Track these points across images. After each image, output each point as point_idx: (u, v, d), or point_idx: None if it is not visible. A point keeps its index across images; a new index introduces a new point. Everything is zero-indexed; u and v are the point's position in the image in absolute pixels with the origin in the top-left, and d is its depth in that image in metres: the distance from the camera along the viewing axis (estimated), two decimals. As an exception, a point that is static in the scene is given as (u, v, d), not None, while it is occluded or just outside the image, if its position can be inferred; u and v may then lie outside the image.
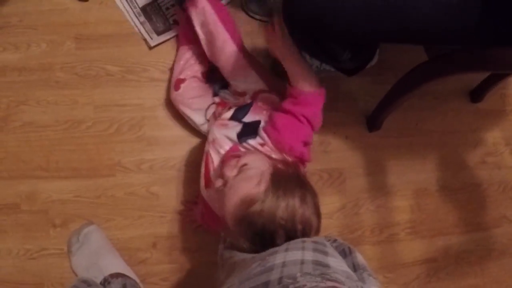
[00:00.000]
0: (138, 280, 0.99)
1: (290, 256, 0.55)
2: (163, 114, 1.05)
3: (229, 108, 0.93)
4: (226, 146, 0.85)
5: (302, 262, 0.53)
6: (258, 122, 0.86)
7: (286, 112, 0.83)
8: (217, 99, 0.99)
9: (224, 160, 0.80)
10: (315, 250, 0.57)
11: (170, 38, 1.07)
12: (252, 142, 0.84)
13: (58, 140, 1.04)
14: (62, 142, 1.04)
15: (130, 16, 1.07)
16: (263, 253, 0.60)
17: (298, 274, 0.49)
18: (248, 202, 0.66)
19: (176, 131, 1.04)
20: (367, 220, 1.08)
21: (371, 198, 1.08)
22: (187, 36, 1.01)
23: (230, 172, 0.71)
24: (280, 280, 0.49)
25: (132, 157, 1.03)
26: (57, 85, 1.05)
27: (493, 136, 1.18)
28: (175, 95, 1.00)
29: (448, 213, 1.13)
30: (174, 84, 1.00)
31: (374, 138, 1.09)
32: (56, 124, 1.04)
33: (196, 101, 0.99)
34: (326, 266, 0.53)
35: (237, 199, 0.67)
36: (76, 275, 1.01)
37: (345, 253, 0.67)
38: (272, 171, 0.71)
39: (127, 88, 1.06)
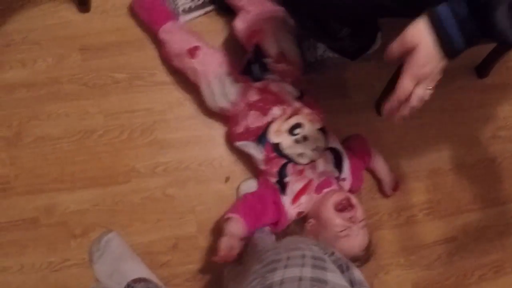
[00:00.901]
0: (161, 284, 0.99)
1: (289, 273, 0.56)
2: (173, 116, 1.05)
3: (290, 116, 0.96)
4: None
5: (300, 279, 0.54)
6: (340, 155, 0.99)
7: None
8: (258, 84, 0.98)
9: (332, 197, 0.92)
10: (314, 266, 0.58)
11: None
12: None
13: (71, 152, 1.05)
14: (76, 153, 1.05)
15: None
16: (263, 269, 0.60)
17: None
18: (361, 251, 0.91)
19: (188, 132, 1.05)
20: (383, 204, 1.08)
21: (386, 183, 1.07)
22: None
23: (355, 224, 0.89)
24: None
25: (146, 161, 1.04)
26: (66, 97, 1.06)
27: (503, 110, 1.18)
28: (193, 63, 0.96)
29: (464, 190, 1.13)
30: (187, 53, 0.96)
31: (384, 121, 1.08)
32: (68, 135, 1.05)
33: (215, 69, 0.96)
34: (324, 282, 0.54)
35: (357, 249, 0.90)
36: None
37: (342, 269, 0.67)
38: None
39: (136, 94, 1.06)
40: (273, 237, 0.97)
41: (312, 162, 0.94)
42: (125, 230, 1.03)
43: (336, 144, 0.98)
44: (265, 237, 0.91)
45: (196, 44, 0.97)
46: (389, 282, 1.08)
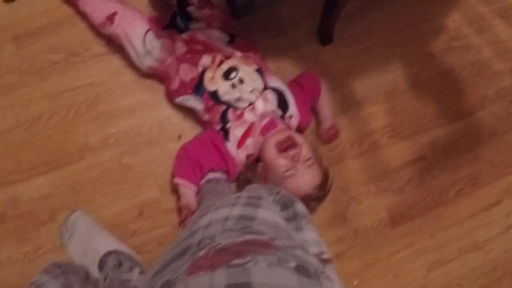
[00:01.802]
0: (133, 253, 0.99)
1: (217, 214, 0.55)
2: (115, 86, 1.04)
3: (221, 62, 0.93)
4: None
5: (226, 219, 0.53)
6: (282, 93, 0.95)
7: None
8: (184, 36, 0.95)
9: (274, 137, 0.90)
10: (246, 204, 0.58)
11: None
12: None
13: (23, 141, 1.04)
14: (28, 142, 1.04)
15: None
16: (196, 216, 0.60)
17: (218, 232, 0.49)
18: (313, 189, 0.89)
19: (132, 98, 1.04)
20: (343, 135, 1.06)
21: (341, 112, 1.06)
22: None
23: (299, 163, 0.87)
24: (199, 242, 0.48)
25: (97, 135, 1.03)
26: (8, 88, 1.05)
27: (453, 20, 1.14)
28: (113, 29, 0.95)
29: (426, 107, 1.10)
30: (106, 21, 0.95)
31: (330, 51, 1.06)
32: (18, 126, 1.04)
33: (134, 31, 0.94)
34: (252, 218, 0.53)
35: (306, 188, 0.88)
36: (75, 263, 1.00)
37: (286, 205, 0.69)
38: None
39: (75, 71, 1.05)
40: (232, 185, 0.95)
41: (251, 104, 0.92)
42: (89, 206, 1.02)
43: (276, 82, 0.96)
44: (218, 187, 0.89)
45: (113, 10, 0.95)
46: (363, 212, 1.06)
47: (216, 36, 0.95)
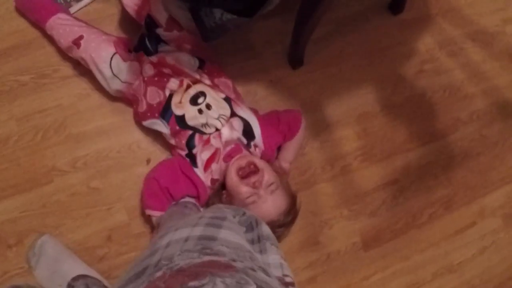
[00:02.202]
0: (101, 278, 0.97)
1: (177, 235, 0.54)
2: (83, 108, 1.03)
3: (188, 86, 0.92)
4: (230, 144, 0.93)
5: (187, 239, 0.52)
6: (249, 123, 0.94)
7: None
8: (153, 58, 0.95)
9: (235, 163, 0.89)
10: (208, 224, 0.57)
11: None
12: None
13: (-10, 163, 1.01)
14: (-5, 164, 1.01)
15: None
16: (157, 237, 0.59)
17: (177, 253, 0.48)
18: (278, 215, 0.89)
19: (100, 121, 1.03)
20: (314, 158, 1.05)
21: (312, 136, 1.05)
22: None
23: (261, 189, 0.87)
24: (157, 263, 0.47)
25: (65, 158, 1.01)
26: (-24, 110, 1.02)
27: (425, 43, 1.14)
28: (79, 53, 0.94)
29: (397, 131, 1.10)
30: (72, 45, 0.94)
31: (301, 75, 1.06)
32: (-15, 147, 1.01)
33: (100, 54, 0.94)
34: (213, 239, 0.52)
35: (271, 214, 0.87)
36: (43, 288, 0.98)
37: (252, 227, 0.68)
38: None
39: (44, 93, 1.04)
40: (201, 209, 0.93)
41: (217, 131, 0.91)
42: (57, 230, 1.00)
43: (244, 113, 0.95)
44: (185, 210, 0.88)
45: (79, 34, 0.95)
46: (336, 236, 1.05)
47: (186, 60, 0.94)
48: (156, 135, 1.01)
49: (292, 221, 0.91)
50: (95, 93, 1.02)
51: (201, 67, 0.95)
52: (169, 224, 0.70)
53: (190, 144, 0.91)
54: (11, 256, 1.00)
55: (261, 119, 0.96)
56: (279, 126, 0.98)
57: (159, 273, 0.43)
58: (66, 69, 1.04)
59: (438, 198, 1.12)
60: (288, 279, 0.57)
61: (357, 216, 1.07)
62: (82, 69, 1.03)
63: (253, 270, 0.44)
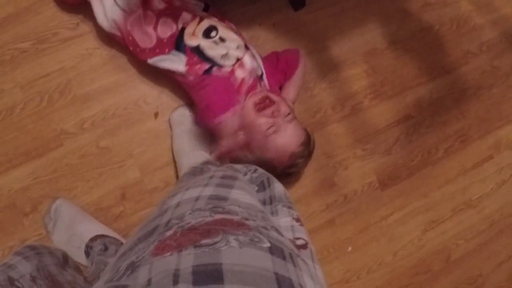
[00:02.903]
0: (118, 236, 0.97)
1: (188, 194, 0.52)
2: (86, 69, 1.01)
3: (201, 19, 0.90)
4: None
5: (197, 199, 0.50)
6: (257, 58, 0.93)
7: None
8: None
9: (250, 99, 0.88)
10: (218, 185, 0.55)
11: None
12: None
13: (-1, 133, 1.00)
14: (4, 133, 1.01)
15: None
16: (166, 196, 0.57)
17: (188, 212, 0.46)
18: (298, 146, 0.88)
19: (104, 79, 1.01)
20: (324, 99, 1.03)
21: (320, 76, 1.03)
22: None
23: (280, 118, 0.87)
24: (168, 222, 0.45)
25: (72, 120, 1.00)
26: (-21, 82, 1.01)
27: (429, -26, 1.09)
28: None
29: (407, 66, 1.07)
30: None
31: (303, 16, 1.03)
32: (-9, 118, 1.00)
33: None
34: (223, 199, 0.50)
35: (292, 144, 0.87)
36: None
37: (264, 186, 0.66)
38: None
39: (45, 58, 1.02)
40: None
41: (239, 61, 0.89)
42: (71, 193, 1.00)
43: (251, 48, 0.93)
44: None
45: None
46: (351, 176, 1.04)
47: (193, 2, 0.92)
48: (162, 87, 0.99)
49: (310, 153, 0.91)
50: (96, 52, 1.00)
51: (206, 10, 0.93)
52: (179, 184, 0.68)
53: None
54: (28, 224, 1.01)
55: (263, 59, 0.94)
56: (279, 65, 0.96)
57: (169, 232, 0.41)
58: (65, 31, 1.01)
59: (452, 133, 1.10)
60: (299, 242, 0.55)
61: (371, 155, 1.05)
62: (80, 29, 1.01)
63: (266, 228, 0.42)
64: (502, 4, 1.17)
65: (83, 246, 0.94)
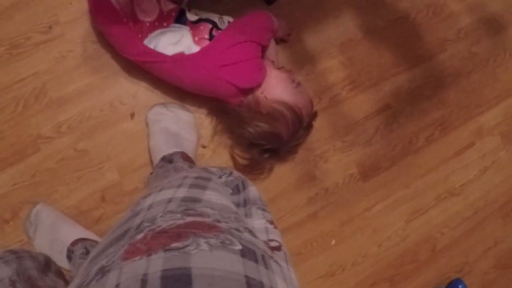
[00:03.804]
0: (99, 239, 0.95)
1: (161, 196, 0.51)
2: (60, 72, 1.00)
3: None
4: None
5: (170, 201, 0.49)
6: None
7: None
8: None
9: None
10: (192, 186, 0.54)
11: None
12: None
13: (-24, 140, 0.99)
14: (-20, 140, 0.99)
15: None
16: (139, 197, 0.56)
17: (160, 215, 0.45)
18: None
19: (79, 82, 1.00)
20: None
21: (296, 69, 1.02)
22: None
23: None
24: (139, 225, 0.44)
25: (49, 124, 0.99)
26: (-47, 89, 1.00)
27: (402, -37, 1.08)
28: None
29: (383, 56, 1.07)
30: None
31: (277, 9, 1.03)
32: (-33, 126, 0.99)
33: None
34: (197, 200, 0.49)
35: (310, 97, 0.95)
36: (44, 257, 0.96)
37: (238, 189, 0.66)
38: None
39: (19, 63, 1.01)
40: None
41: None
42: (51, 197, 0.99)
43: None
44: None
45: None
46: (332, 169, 1.03)
47: None
48: (137, 87, 0.99)
49: (311, 126, 0.97)
50: (70, 55, 0.99)
51: None
52: (154, 184, 0.68)
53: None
54: (9, 231, 1.00)
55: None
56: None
57: (140, 235, 0.40)
58: (38, 35, 1.00)
59: (433, 121, 1.09)
60: (273, 244, 0.54)
61: (351, 147, 1.04)
62: (53, 33, 1.00)
63: (239, 231, 0.41)
64: (479, -10, 1.17)
65: (64, 251, 0.94)
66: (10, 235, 1.00)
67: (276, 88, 0.91)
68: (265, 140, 0.92)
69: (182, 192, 0.52)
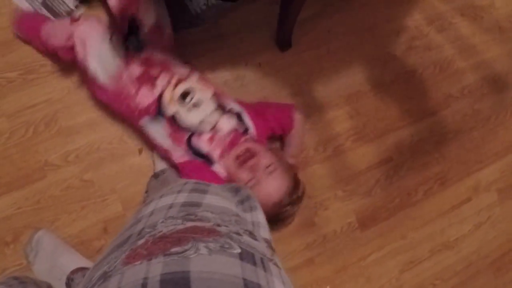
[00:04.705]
0: (99, 269, 0.96)
1: (162, 202, 0.53)
2: (73, 101, 1.02)
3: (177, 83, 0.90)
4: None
5: (171, 207, 0.51)
6: (239, 114, 0.94)
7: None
8: (141, 55, 0.91)
9: (232, 152, 0.90)
10: (192, 190, 0.55)
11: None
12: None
13: (-16, 162, 1.00)
14: (-12, 162, 1.00)
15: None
16: (142, 204, 0.58)
17: (160, 221, 0.46)
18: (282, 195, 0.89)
19: (90, 113, 1.02)
20: (307, 140, 1.06)
21: (304, 117, 1.02)
22: None
23: (259, 172, 0.87)
24: (140, 231, 0.46)
25: (57, 152, 1.01)
26: (-34, 109, 1.01)
27: (413, 19, 1.13)
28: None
29: (389, 109, 1.09)
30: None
31: (289, 57, 1.06)
32: (-24, 146, 1.01)
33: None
34: (197, 205, 0.51)
35: (274, 194, 0.87)
36: (42, 283, 0.98)
37: (236, 190, 0.67)
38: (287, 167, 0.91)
39: (32, 88, 1.03)
40: None
41: (216, 125, 0.90)
42: (53, 225, 1.01)
43: (233, 104, 0.94)
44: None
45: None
46: (331, 217, 1.05)
47: (172, 58, 0.93)
48: (146, 125, 1.00)
49: (299, 199, 0.91)
50: (83, 86, 1.01)
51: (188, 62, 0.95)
52: (155, 192, 0.69)
53: (192, 147, 0.90)
54: (9, 253, 1.01)
55: (250, 109, 0.95)
56: (268, 119, 0.97)
57: (141, 241, 0.42)
58: (53, 63, 1.02)
59: (432, 175, 1.12)
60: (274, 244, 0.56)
61: (351, 196, 1.07)
62: (69, 63, 1.03)
63: (239, 234, 0.43)
64: (484, 48, 1.20)
65: (64, 278, 0.95)
66: (9, 257, 1.01)
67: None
68: None
69: (182, 198, 0.53)
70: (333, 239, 1.06)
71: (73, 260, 0.98)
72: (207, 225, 0.44)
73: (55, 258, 0.98)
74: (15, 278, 0.78)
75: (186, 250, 0.36)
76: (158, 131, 0.92)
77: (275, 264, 0.41)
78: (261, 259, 0.39)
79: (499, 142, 1.19)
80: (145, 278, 0.33)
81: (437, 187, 1.13)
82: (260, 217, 0.60)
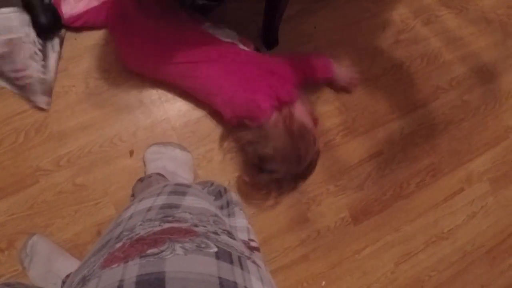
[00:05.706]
0: (94, 272, 0.96)
1: (141, 205, 0.53)
2: (62, 106, 1.03)
3: None
4: None
5: (149, 209, 0.51)
6: None
7: None
8: None
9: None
10: (171, 193, 0.56)
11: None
12: None
13: (-25, 169, 1.01)
14: (-20, 169, 1.01)
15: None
16: (122, 210, 0.58)
17: (139, 224, 0.47)
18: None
19: (80, 117, 1.03)
20: None
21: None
22: None
23: None
24: (119, 234, 0.46)
25: (48, 157, 1.02)
26: (-45, 118, 1.02)
27: (399, 13, 1.14)
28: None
29: (378, 103, 1.10)
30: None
31: (276, 54, 1.03)
32: (-32, 154, 1.01)
33: None
34: (176, 207, 0.51)
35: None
36: (38, 288, 0.98)
37: (221, 194, 0.68)
38: None
39: (21, 95, 1.01)
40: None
41: None
42: (47, 230, 1.01)
43: None
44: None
45: None
46: (324, 212, 1.06)
47: None
48: (137, 125, 1.01)
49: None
50: (72, 90, 1.03)
51: None
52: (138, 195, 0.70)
53: None
54: (4, 260, 1.01)
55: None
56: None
57: (119, 244, 0.42)
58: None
59: (423, 167, 1.13)
60: (253, 244, 0.57)
61: (344, 191, 1.07)
62: (58, 68, 1.03)
63: (216, 233, 0.43)
64: (471, 40, 1.21)
65: (59, 283, 0.96)
66: (4, 264, 1.01)
67: (302, 112, 0.93)
68: (281, 162, 0.91)
69: (161, 200, 0.53)
70: (327, 234, 1.06)
71: (68, 265, 0.99)
72: (184, 225, 0.44)
73: (50, 263, 0.98)
74: (7, 285, 0.78)
75: (162, 251, 0.36)
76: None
77: (254, 262, 0.41)
78: (239, 258, 0.39)
79: (489, 132, 1.20)
80: (121, 281, 0.34)
81: (429, 179, 1.13)
82: (238, 221, 0.61)
